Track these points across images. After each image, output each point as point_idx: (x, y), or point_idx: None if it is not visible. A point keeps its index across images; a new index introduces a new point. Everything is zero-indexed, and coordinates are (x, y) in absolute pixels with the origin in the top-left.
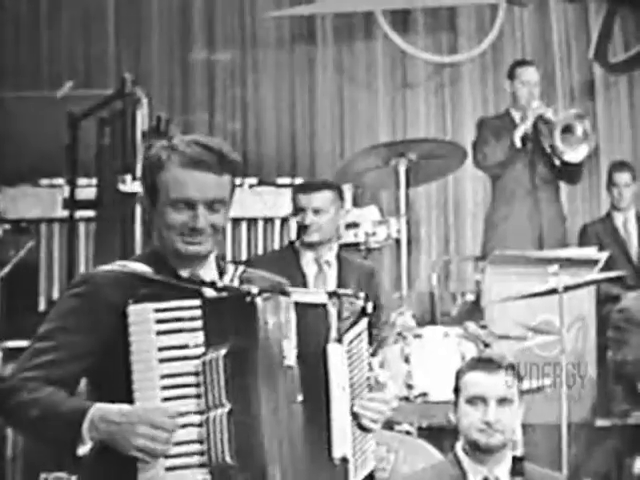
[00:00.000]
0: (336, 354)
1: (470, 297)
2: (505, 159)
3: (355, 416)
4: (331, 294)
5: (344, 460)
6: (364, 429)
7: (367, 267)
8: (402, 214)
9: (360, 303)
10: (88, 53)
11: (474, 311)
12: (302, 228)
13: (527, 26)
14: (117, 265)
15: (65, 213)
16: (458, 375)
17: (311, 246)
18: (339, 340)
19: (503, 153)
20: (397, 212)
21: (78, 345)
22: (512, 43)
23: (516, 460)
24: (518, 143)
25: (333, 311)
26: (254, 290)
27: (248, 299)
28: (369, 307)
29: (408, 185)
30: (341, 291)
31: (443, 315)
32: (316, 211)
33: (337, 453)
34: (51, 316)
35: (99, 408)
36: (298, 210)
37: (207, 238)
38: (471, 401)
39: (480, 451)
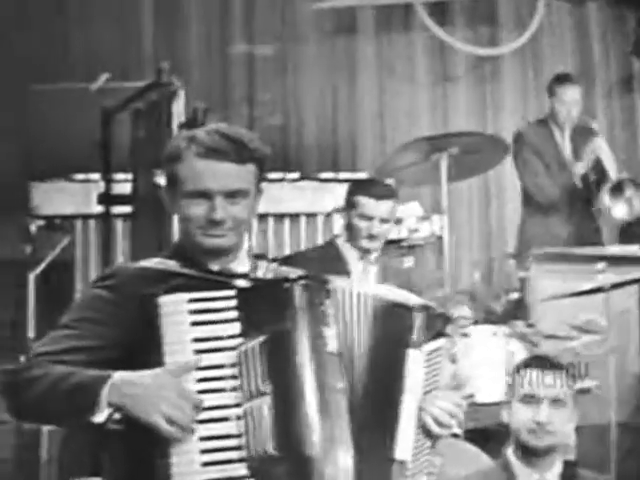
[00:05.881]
0: (416, 360)
1: (514, 295)
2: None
3: (421, 421)
4: (420, 305)
5: (401, 463)
6: (429, 435)
7: (404, 267)
8: (444, 210)
9: (442, 320)
10: (124, 46)
11: (519, 309)
12: (357, 231)
13: (566, 19)
14: (145, 261)
15: (101, 209)
16: (513, 372)
17: (361, 247)
18: (418, 347)
19: (560, 192)
20: (437, 208)
21: (103, 336)
22: (551, 36)
23: (568, 464)
24: (579, 184)
25: (419, 317)
26: (292, 276)
27: (286, 285)
28: (450, 329)
29: (449, 180)
30: (429, 304)
31: (487, 314)
32: (382, 220)
33: (399, 455)
34: (75, 306)
35: (123, 373)
36: (362, 215)
37: (228, 231)
38: (523, 400)
39: (530, 453)
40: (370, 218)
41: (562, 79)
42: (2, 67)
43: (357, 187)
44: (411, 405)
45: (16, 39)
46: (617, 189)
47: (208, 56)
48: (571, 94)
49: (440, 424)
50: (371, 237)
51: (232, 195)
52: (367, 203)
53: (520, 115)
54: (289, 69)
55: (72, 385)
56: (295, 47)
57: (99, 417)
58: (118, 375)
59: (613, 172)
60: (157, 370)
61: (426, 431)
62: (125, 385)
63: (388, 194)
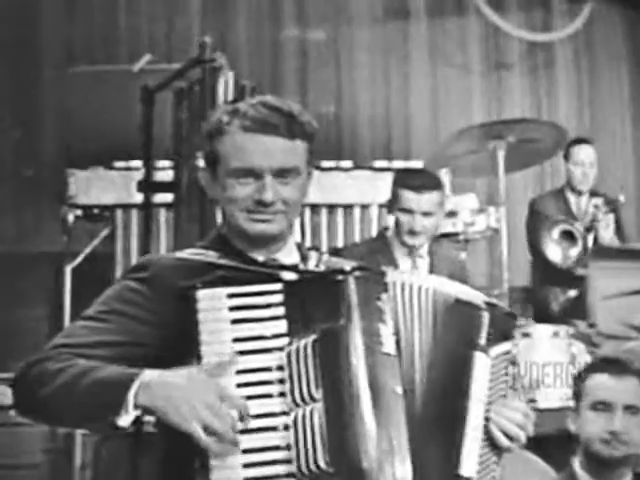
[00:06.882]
0: (483, 365)
1: (573, 293)
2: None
3: (486, 432)
4: (486, 302)
5: None
6: (495, 448)
7: (458, 261)
8: (502, 202)
9: (511, 322)
10: (171, 30)
11: (577, 308)
12: (400, 226)
13: (617, 3)
14: (181, 251)
15: (142, 198)
16: (580, 377)
17: (405, 243)
18: (485, 351)
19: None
20: (491, 200)
21: (133, 332)
22: (603, 21)
23: (639, 477)
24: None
25: (487, 317)
26: (346, 267)
27: (339, 277)
28: (515, 333)
29: (506, 171)
30: (496, 302)
31: (544, 311)
32: (425, 214)
33: (464, 471)
34: (104, 298)
35: (154, 372)
36: (403, 208)
37: (277, 215)
38: (595, 407)
39: (601, 465)
40: (410, 212)
41: (577, 141)
42: (44, 48)
43: (399, 179)
44: (477, 415)
45: (60, 20)
46: (569, 236)
47: (258, 41)
48: (585, 154)
49: (509, 437)
50: (413, 233)
51: (282, 174)
52: (407, 196)
53: (575, 103)
54: (341, 54)
55: (94, 381)
56: (347, 32)
57: (124, 420)
58: (148, 373)
59: (607, 238)
60: (192, 369)
61: (492, 444)
62: (157, 385)
63: (430, 185)
